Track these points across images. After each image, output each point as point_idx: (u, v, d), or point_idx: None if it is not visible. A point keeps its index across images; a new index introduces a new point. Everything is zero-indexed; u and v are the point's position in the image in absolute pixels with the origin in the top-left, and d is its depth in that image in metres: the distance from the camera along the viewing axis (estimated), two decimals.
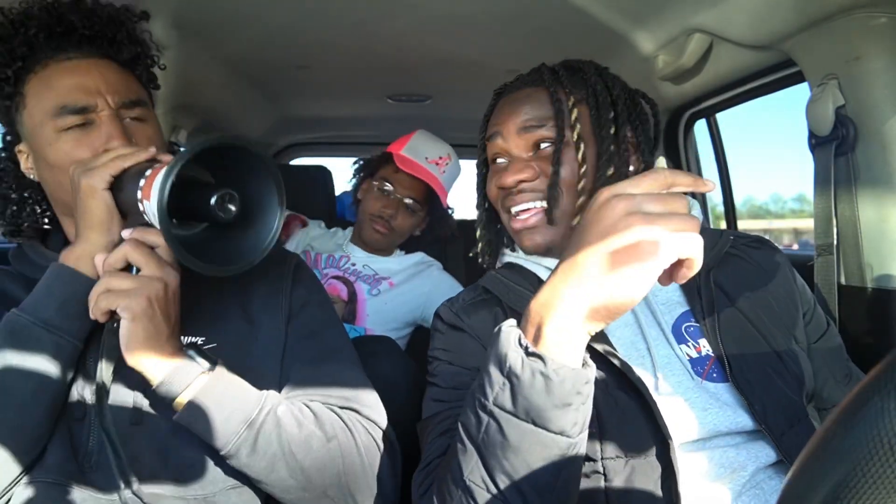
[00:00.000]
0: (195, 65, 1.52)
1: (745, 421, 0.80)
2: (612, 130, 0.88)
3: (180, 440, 0.80)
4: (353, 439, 0.84)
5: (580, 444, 0.64)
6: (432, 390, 0.89)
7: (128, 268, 0.75)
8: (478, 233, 1.01)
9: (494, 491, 0.64)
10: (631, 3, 1.26)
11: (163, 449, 0.80)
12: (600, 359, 0.79)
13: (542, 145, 0.89)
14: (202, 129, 2.05)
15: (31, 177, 0.90)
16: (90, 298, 0.75)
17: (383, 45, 1.51)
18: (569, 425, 0.61)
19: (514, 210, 0.89)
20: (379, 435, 0.88)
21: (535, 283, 0.91)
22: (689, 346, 0.85)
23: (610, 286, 0.57)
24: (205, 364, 0.78)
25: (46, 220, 0.94)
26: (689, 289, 0.88)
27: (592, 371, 0.62)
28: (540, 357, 0.59)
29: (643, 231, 0.57)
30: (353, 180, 1.90)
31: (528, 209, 0.88)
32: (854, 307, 1.08)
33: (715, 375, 0.83)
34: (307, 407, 0.85)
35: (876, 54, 0.98)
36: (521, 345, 0.61)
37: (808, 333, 0.90)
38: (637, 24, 1.33)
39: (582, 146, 0.86)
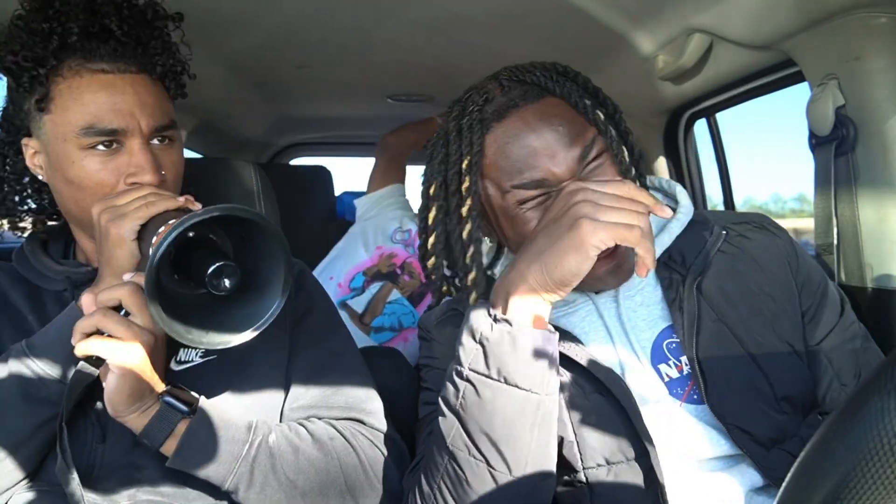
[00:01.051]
0: (195, 64, 1.51)
1: (722, 445, 0.77)
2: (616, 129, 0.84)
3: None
4: (356, 455, 0.83)
5: (549, 404, 0.71)
6: (423, 394, 0.90)
7: (118, 307, 0.72)
8: (469, 280, 0.80)
9: (475, 452, 0.70)
10: (631, 3, 1.25)
11: (163, 458, 0.80)
12: (576, 366, 0.78)
13: (595, 164, 0.78)
14: (202, 129, 2.05)
15: (39, 176, 0.88)
16: (76, 330, 0.70)
17: (383, 44, 1.51)
18: (536, 383, 0.69)
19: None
20: (384, 444, 0.87)
21: None
22: (669, 366, 0.81)
23: (555, 261, 0.67)
24: (184, 408, 0.75)
25: (53, 220, 0.94)
26: (672, 301, 0.83)
27: (555, 336, 0.72)
28: (507, 321, 0.69)
29: (587, 213, 0.66)
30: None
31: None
32: (854, 307, 1.08)
33: (695, 397, 0.80)
34: (304, 427, 0.84)
35: (876, 54, 0.98)
36: (489, 315, 0.70)
37: (810, 333, 0.83)
38: (637, 24, 1.33)
39: (625, 149, 0.82)
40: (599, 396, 0.77)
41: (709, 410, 0.78)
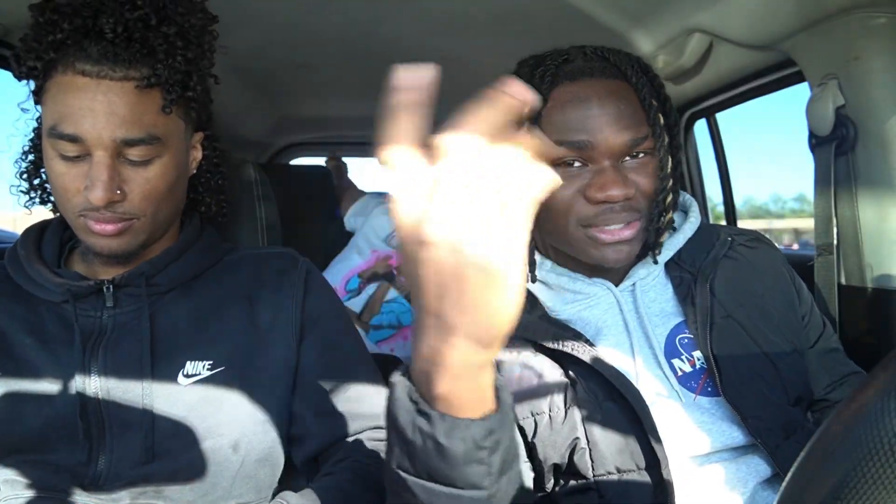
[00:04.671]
0: None
1: (738, 436, 0.78)
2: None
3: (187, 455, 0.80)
4: None
5: (504, 486, 0.55)
6: None
7: None
8: None
9: None
10: (630, 3, 1.25)
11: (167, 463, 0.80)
12: (589, 370, 0.78)
13: (633, 154, 0.80)
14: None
15: None
16: None
17: (383, 44, 1.51)
18: (481, 478, 0.52)
19: (608, 226, 0.79)
20: None
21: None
22: (682, 360, 0.83)
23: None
24: None
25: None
26: (684, 298, 0.85)
27: (500, 417, 0.51)
28: (427, 416, 0.49)
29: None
30: None
31: (623, 225, 0.80)
32: (854, 307, 1.08)
33: (709, 389, 0.81)
34: (346, 468, 0.84)
35: (876, 54, 0.98)
36: (412, 400, 0.50)
37: (807, 337, 0.89)
38: (636, 24, 1.33)
39: (671, 160, 0.82)
40: (613, 404, 0.76)
41: (724, 402, 0.79)
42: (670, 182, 0.83)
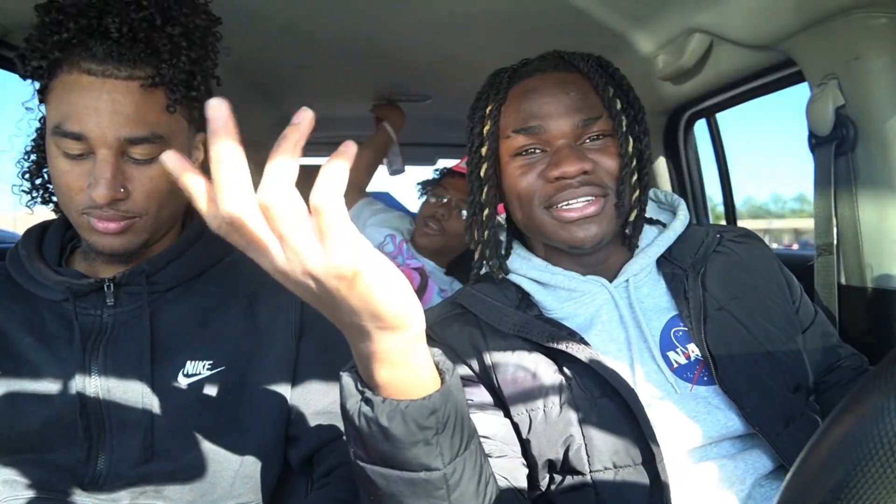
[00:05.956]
0: None
1: (736, 424, 0.79)
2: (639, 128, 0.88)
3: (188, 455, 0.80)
4: None
5: (460, 470, 0.57)
6: None
7: None
8: (485, 235, 0.90)
9: None
10: (630, 3, 1.25)
11: (167, 464, 0.80)
12: (584, 367, 0.78)
13: (592, 136, 0.84)
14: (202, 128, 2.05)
15: None
16: None
17: (383, 44, 1.51)
18: (431, 458, 0.54)
19: (568, 204, 0.83)
20: None
21: (515, 296, 0.89)
22: (677, 353, 0.84)
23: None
24: None
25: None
26: (677, 293, 0.87)
27: (441, 397, 0.54)
28: (370, 402, 0.53)
29: None
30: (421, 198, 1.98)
31: (585, 202, 0.83)
32: (854, 307, 1.08)
33: (705, 379, 0.82)
34: (342, 477, 0.83)
35: (876, 54, 0.98)
36: (358, 390, 0.55)
37: (799, 321, 0.91)
38: (637, 24, 1.33)
39: (631, 140, 0.85)
40: (608, 401, 0.77)
41: (720, 391, 0.80)
42: (634, 162, 0.85)
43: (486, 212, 0.89)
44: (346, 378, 0.56)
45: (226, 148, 0.43)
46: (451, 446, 0.56)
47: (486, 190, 0.89)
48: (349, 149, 0.43)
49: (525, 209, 0.86)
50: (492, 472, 0.65)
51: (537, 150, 0.85)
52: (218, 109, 0.43)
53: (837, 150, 1.06)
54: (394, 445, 0.53)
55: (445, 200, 1.79)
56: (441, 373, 0.56)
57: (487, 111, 0.88)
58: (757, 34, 1.14)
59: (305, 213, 0.42)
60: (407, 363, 0.52)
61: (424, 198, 1.91)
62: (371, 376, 0.53)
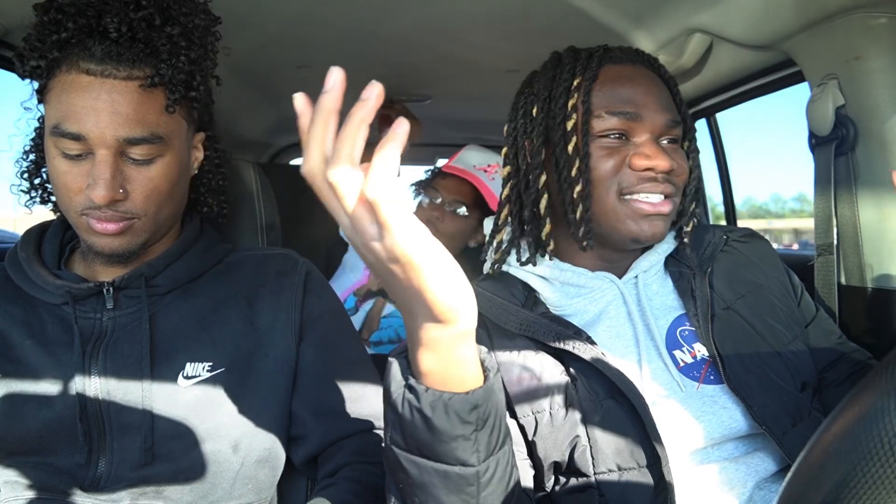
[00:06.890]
0: None
1: (741, 424, 0.78)
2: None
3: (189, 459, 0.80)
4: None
5: (492, 469, 0.58)
6: None
7: None
8: (577, 213, 0.84)
9: None
10: (631, 4, 1.25)
11: (170, 465, 0.80)
12: (590, 368, 0.78)
13: (670, 139, 0.85)
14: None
15: None
16: None
17: (383, 44, 1.51)
18: (467, 454, 0.56)
19: (647, 196, 0.82)
20: None
21: (521, 293, 0.88)
22: (683, 352, 0.84)
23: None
24: None
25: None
26: (684, 292, 0.88)
27: (484, 393, 0.55)
28: (415, 391, 0.55)
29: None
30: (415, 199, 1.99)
31: (663, 198, 0.83)
32: (854, 307, 1.08)
33: (712, 378, 0.82)
34: (348, 478, 0.84)
35: (876, 54, 0.98)
36: (403, 376, 0.57)
37: (802, 317, 0.92)
38: (636, 24, 1.33)
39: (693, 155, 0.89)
40: (613, 402, 0.77)
41: (727, 389, 0.80)
42: (697, 171, 0.88)
43: (577, 188, 0.83)
44: (395, 363, 0.58)
45: (355, 125, 0.48)
46: (488, 444, 0.57)
47: (576, 166, 0.83)
48: (401, 127, 0.46)
49: (599, 194, 0.83)
50: (519, 477, 0.66)
51: (623, 137, 0.83)
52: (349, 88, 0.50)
53: (837, 150, 1.06)
54: (434, 436, 0.55)
55: (439, 202, 1.78)
56: (485, 370, 0.58)
57: (575, 83, 0.84)
58: (757, 34, 1.14)
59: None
60: (452, 355, 0.54)
61: (418, 199, 1.91)
62: (416, 362, 0.55)
